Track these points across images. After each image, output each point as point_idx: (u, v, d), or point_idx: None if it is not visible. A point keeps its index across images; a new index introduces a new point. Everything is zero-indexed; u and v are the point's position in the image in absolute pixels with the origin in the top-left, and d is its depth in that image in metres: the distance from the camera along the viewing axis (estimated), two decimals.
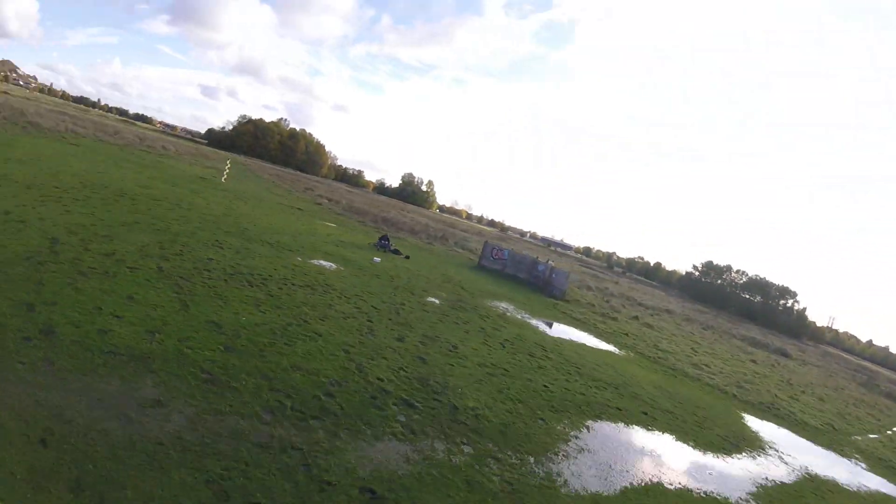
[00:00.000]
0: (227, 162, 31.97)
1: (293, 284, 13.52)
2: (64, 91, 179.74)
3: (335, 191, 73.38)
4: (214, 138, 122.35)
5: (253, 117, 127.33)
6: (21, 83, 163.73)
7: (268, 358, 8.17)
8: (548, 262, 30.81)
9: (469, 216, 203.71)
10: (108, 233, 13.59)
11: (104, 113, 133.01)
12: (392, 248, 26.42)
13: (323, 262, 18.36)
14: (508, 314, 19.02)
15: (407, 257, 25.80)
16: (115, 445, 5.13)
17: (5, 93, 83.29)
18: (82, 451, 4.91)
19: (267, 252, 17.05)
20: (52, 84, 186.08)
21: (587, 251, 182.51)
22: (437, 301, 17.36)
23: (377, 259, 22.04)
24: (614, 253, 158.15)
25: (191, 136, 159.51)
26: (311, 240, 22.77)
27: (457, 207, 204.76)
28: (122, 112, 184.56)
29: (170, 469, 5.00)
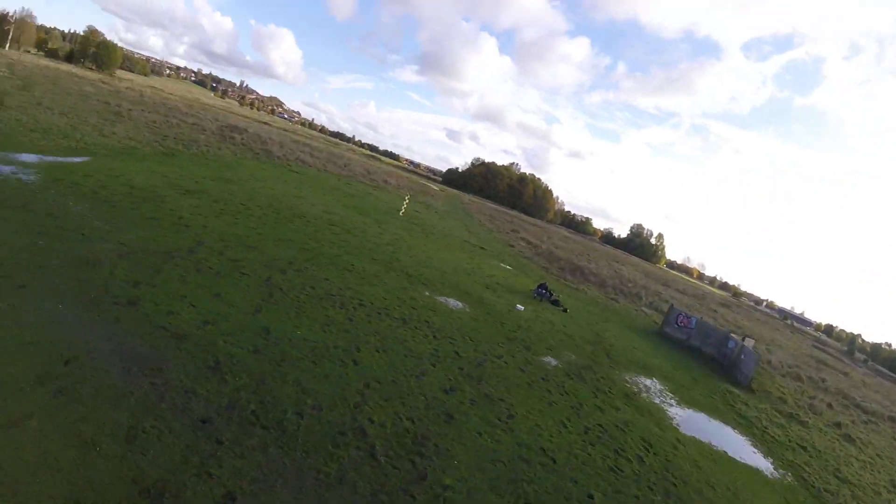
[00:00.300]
0: (406, 197, 38.51)
1: (386, 315, 15.81)
2: (323, 126, 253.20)
3: (546, 235, 79.18)
4: (449, 177, 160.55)
5: (487, 160, 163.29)
6: (285, 116, 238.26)
7: (281, 368, 10.29)
8: (743, 339, 28.13)
9: (700, 276, 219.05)
10: (254, 244, 18.75)
11: (354, 147, 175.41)
12: (553, 297, 28.25)
13: (450, 300, 20.68)
14: (641, 395, 17.66)
15: (565, 310, 27.02)
16: (102, 379, 8.08)
17: (266, 123, 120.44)
18: (81, 375, 8.03)
19: (395, 282, 20.22)
20: (313, 119, 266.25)
21: (828, 330, 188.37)
22: (552, 363, 17.34)
23: (520, 307, 23.75)
24: (859, 335, 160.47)
25: (432, 173, 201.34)
26: (461, 278, 25.68)
27: (688, 265, 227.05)
28: (372, 148, 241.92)
29: (119, 406, 7.59)
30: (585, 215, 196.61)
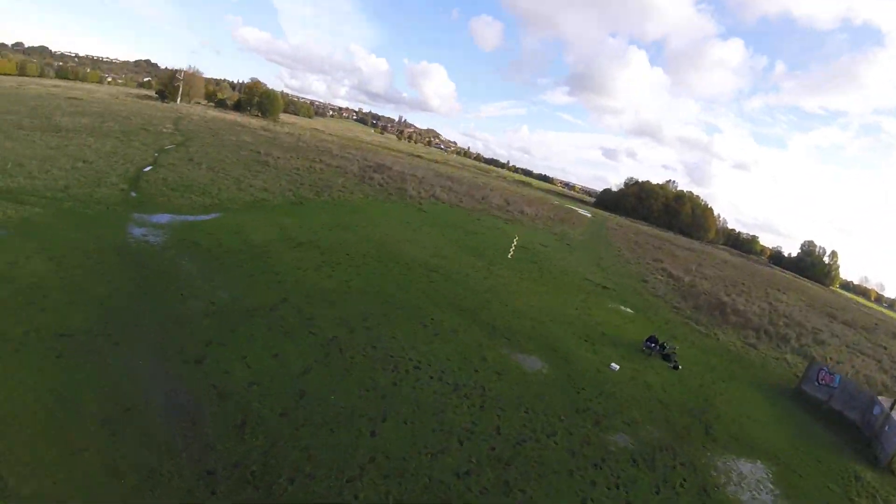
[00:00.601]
0: (515, 238, 38.92)
1: (439, 380, 17.20)
2: (479, 154, 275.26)
3: (697, 262, 75.07)
4: (602, 199, 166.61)
5: (645, 177, 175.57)
6: (442, 147, 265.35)
7: (297, 433, 12.40)
8: (894, 403, 23.34)
9: (879, 298, 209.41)
10: (338, 299, 21.57)
11: (506, 174, 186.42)
12: (665, 350, 26.97)
13: (528, 359, 21.17)
14: (726, 488, 15.83)
15: (676, 367, 25.66)
16: (149, 427, 11.23)
17: (419, 156, 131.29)
18: (134, 422, 11.27)
19: (472, 337, 21.62)
20: (469, 147, 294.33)
21: None
22: (621, 442, 16.48)
23: (615, 366, 22.98)
24: None
25: (587, 194, 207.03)
26: (558, 329, 26.03)
27: (866, 285, 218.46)
28: (526, 172, 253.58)
29: (152, 450, 10.39)
30: (752, 233, 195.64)
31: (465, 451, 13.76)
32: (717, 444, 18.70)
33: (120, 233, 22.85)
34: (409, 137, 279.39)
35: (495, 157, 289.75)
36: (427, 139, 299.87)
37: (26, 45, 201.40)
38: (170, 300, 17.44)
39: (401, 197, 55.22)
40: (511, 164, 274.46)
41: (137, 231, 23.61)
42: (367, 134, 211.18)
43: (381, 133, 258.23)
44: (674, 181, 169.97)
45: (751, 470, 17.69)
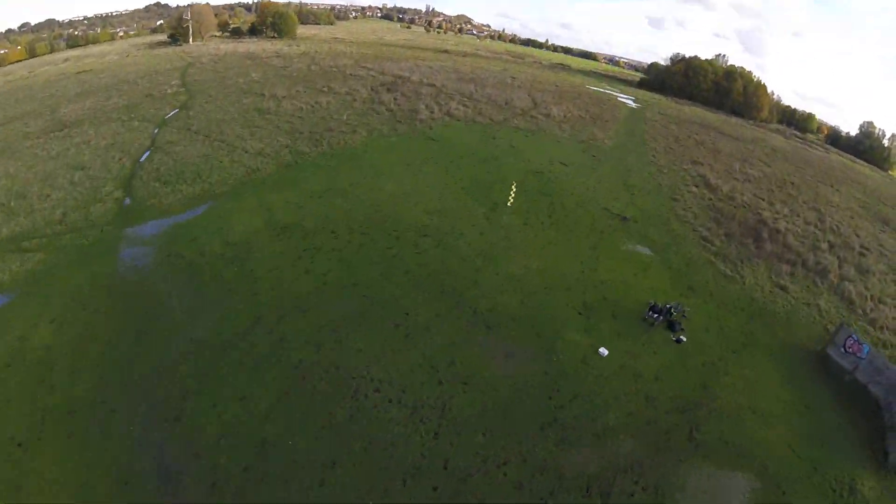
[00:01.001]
0: (514, 185, 37.18)
1: (398, 402, 18.35)
2: (514, 35, 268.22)
3: (744, 155, 70.28)
4: (648, 78, 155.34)
5: (696, 49, 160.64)
6: (474, 33, 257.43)
7: (258, 488, 15.14)
8: None
9: None
10: (312, 304, 23.45)
11: (542, 58, 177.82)
12: (672, 317, 25.76)
13: (505, 350, 21.31)
14: None
15: (678, 340, 24.64)
16: (143, 499, 13.78)
17: (445, 51, 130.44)
18: (129, 494, 13.62)
19: (448, 332, 22.08)
20: (503, 29, 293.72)
21: None
22: (583, 462, 16.53)
23: (604, 351, 22.44)
24: None
25: (634, 69, 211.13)
26: (553, 299, 25.57)
27: None
28: (567, 50, 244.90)
29: None
30: (808, 109, 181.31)
31: (406, 494, 14.98)
32: (699, 454, 17.88)
33: (111, 262, 25.02)
34: (440, 26, 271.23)
35: (533, 38, 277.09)
36: (458, 26, 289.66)
37: (32, 24, 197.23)
38: (154, 343, 20.14)
39: (410, 124, 53.01)
40: (550, 43, 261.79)
41: (128, 254, 25.74)
42: (392, 32, 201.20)
43: (408, 27, 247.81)
44: (724, 55, 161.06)
45: (725, 488, 16.89)
